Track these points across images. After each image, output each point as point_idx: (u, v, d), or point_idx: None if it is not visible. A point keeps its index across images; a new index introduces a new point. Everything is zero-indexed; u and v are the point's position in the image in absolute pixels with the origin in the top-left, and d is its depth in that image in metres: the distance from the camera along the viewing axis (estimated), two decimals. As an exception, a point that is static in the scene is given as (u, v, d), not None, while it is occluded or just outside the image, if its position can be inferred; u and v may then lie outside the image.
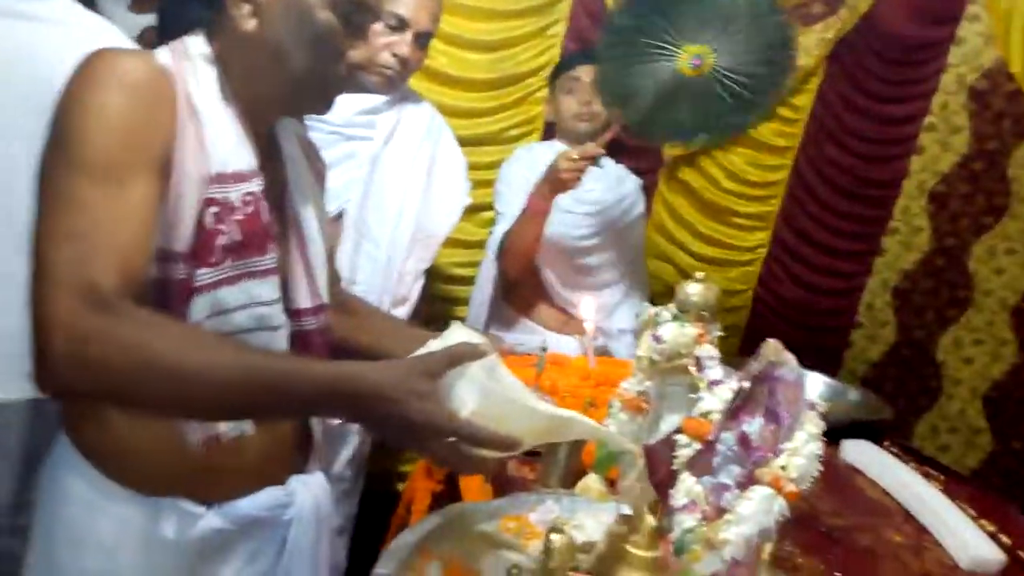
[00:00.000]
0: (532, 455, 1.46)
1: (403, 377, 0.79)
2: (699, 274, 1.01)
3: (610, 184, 2.26)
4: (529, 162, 2.18)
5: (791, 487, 0.80)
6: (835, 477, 1.66)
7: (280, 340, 1.00)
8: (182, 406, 0.82)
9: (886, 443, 1.83)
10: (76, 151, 0.81)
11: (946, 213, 2.91)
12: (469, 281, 2.44)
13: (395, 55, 1.78)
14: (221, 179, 0.91)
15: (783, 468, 0.81)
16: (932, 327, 3.01)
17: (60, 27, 1.29)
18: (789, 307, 2.92)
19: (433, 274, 2.20)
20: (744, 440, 0.81)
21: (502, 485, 1.40)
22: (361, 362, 0.85)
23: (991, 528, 1.50)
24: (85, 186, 0.80)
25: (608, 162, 2.25)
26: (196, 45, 0.95)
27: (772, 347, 0.84)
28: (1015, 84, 2.75)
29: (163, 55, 0.92)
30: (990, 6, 2.70)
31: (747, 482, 0.81)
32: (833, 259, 2.89)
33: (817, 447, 0.80)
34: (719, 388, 0.92)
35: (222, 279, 0.92)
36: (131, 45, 1.31)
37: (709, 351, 0.98)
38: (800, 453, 0.79)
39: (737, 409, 0.83)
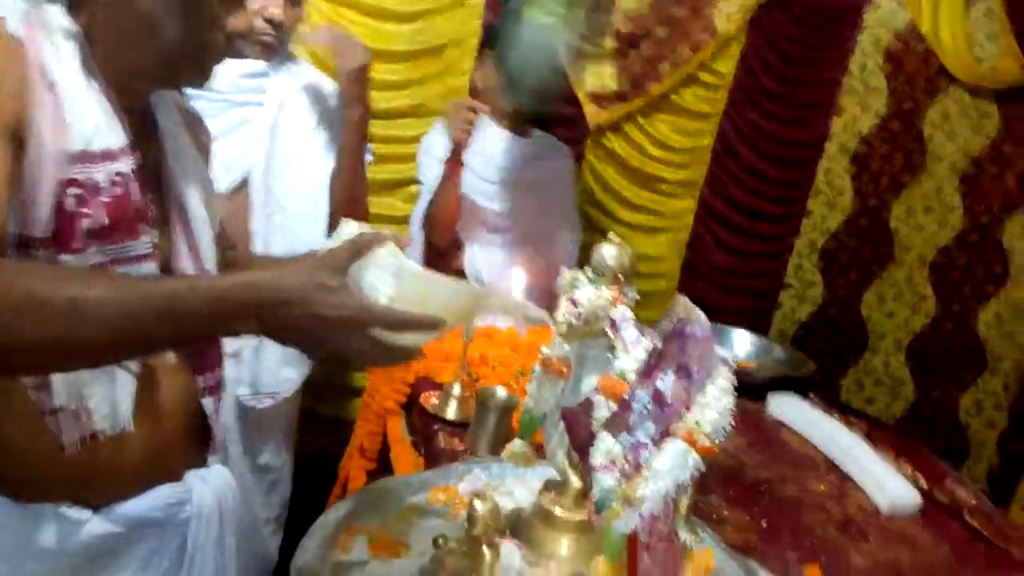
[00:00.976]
0: (461, 427, 1.47)
1: (307, 275, 0.75)
2: (612, 236, 1.00)
3: (526, 150, 2.23)
4: (441, 131, 2.17)
5: (704, 441, 0.80)
6: (761, 431, 1.71)
7: None
8: (72, 345, 0.74)
9: (811, 396, 1.88)
10: None
11: (867, 173, 2.99)
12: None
13: (268, 19, 1.69)
14: (85, 158, 0.84)
15: (696, 423, 0.82)
16: (856, 285, 3.10)
17: None
18: (719, 271, 2.97)
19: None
20: (658, 397, 0.81)
21: (432, 458, 1.40)
22: (256, 271, 0.82)
23: (909, 471, 1.56)
24: None
25: (536, 134, 2.25)
26: (56, 16, 0.87)
27: (682, 304, 0.84)
28: (926, 44, 2.84)
29: (13, 22, 0.83)
30: (902, -32, 2.77)
31: (662, 439, 0.82)
32: (760, 223, 2.94)
33: (729, 401, 0.81)
34: (634, 348, 0.92)
35: (90, 266, 0.85)
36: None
37: (624, 313, 0.98)
38: (712, 407, 0.80)
39: (651, 367, 0.83)
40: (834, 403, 1.93)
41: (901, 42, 2.86)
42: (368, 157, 1.87)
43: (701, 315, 0.84)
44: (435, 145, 2.16)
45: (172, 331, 0.77)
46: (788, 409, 1.77)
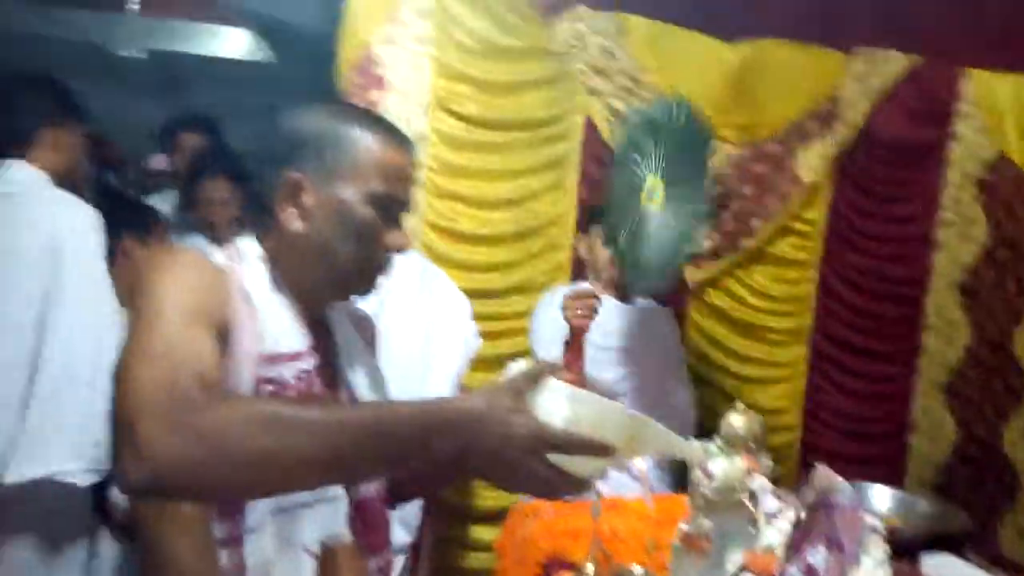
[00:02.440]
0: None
1: (494, 397, 0.80)
2: (739, 404, 1.02)
3: (635, 316, 2.30)
4: (554, 306, 2.25)
5: (868, 617, 0.78)
6: (919, 596, 1.58)
7: (339, 509, 1.03)
8: (291, 459, 0.80)
9: (969, 553, 1.75)
10: (153, 303, 0.90)
11: (980, 304, 2.89)
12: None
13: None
14: (276, 359, 0.99)
15: (856, 598, 0.79)
16: (992, 420, 2.92)
17: (39, 203, 1.72)
18: (840, 417, 2.87)
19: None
20: (811, 572, 0.80)
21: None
22: (442, 398, 0.87)
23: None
24: (163, 323, 0.88)
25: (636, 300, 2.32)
26: (249, 246, 1.07)
27: (822, 474, 0.84)
28: (1019, 169, 2.81)
29: (218, 256, 1.04)
30: (980, 103, 2.80)
31: (822, 616, 0.79)
32: (875, 363, 2.86)
33: (887, 571, 0.79)
34: (777, 520, 0.92)
35: None
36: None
37: (762, 483, 0.98)
38: (870, 580, 0.78)
39: (798, 540, 0.82)
40: (997, 559, 1.79)
41: (993, 171, 2.85)
42: None
43: (843, 483, 0.83)
44: (546, 322, 2.23)
45: (378, 450, 0.81)
46: (947, 570, 1.65)
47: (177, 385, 0.82)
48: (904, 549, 1.66)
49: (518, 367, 0.88)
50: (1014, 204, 2.85)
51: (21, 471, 1.61)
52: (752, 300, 2.81)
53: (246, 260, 1.05)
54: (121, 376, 0.85)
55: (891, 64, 2.79)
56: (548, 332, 2.20)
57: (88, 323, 1.68)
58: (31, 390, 1.63)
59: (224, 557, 0.96)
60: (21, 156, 1.80)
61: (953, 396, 2.91)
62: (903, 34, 2.77)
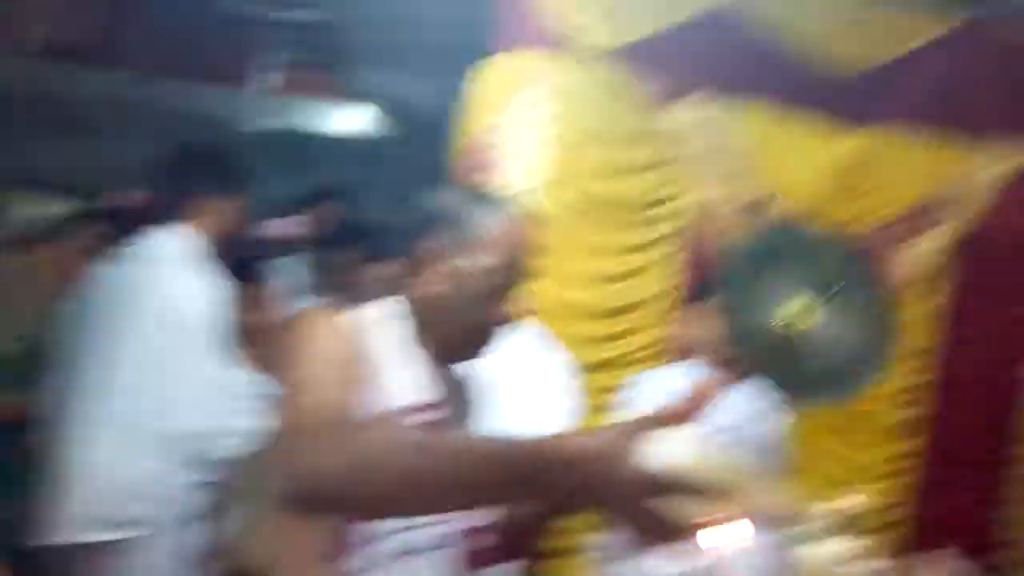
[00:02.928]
0: None
1: (618, 434, 0.80)
2: (857, 487, 1.03)
3: (744, 405, 2.27)
4: (654, 384, 2.26)
5: None
6: None
7: (453, 559, 1.09)
8: (430, 484, 0.85)
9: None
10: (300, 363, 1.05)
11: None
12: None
13: None
14: (412, 409, 1.11)
15: None
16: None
17: (170, 264, 1.87)
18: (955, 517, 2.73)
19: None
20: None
21: None
22: (562, 434, 0.87)
23: None
24: (309, 374, 1.03)
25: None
26: (388, 307, 1.21)
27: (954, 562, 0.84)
28: None
29: (370, 311, 1.19)
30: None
31: None
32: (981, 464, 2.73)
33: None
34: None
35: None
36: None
37: (866, 569, 0.98)
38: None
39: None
40: None
41: None
42: None
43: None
44: (641, 399, 2.24)
45: (507, 477, 0.83)
46: None
47: (329, 412, 0.96)
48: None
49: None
50: None
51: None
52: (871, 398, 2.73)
53: (383, 322, 1.18)
54: (280, 412, 0.97)
55: (1011, 153, 2.74)
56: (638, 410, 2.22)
57: (188, 396, 1.83)
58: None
59: None
60: (188, 219, 1.99)
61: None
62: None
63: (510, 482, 0.83)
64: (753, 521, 0.80)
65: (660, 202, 2.72)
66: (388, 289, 1.23)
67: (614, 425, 0.84)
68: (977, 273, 2.75)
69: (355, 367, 1.08)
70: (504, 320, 1.19)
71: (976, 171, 2.73)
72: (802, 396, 2.18)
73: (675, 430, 0.82)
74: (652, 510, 0.79)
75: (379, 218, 2.73)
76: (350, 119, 4.93)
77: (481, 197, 1.24)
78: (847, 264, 2.03)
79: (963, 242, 2.74)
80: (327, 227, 2.95)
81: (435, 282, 1.17)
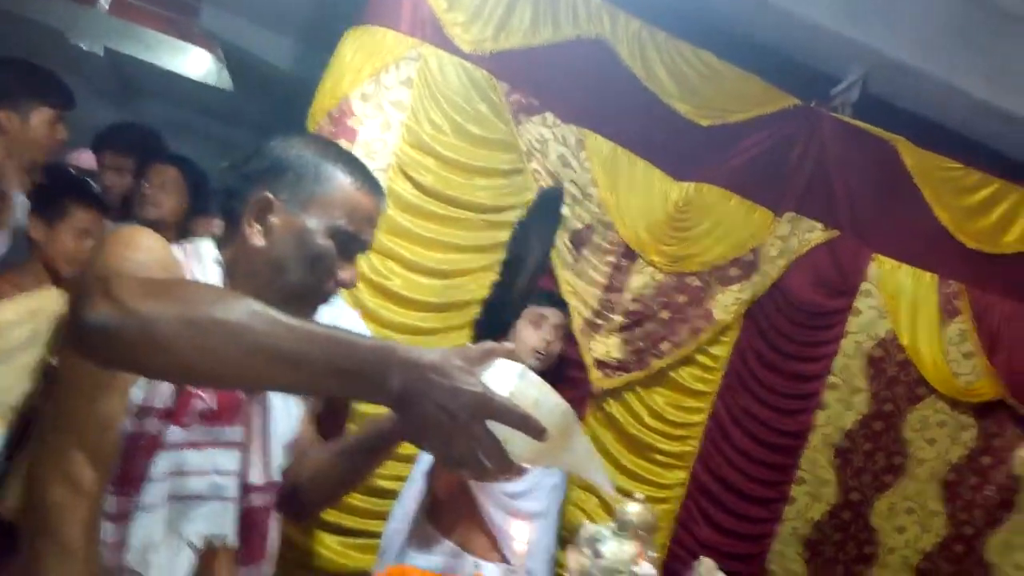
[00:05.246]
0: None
1: (446, 353, 0.81)
2: (638, 494, 1.10)
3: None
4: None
5: None
6: None
7: (229, 512, 1.05)
8: (253, 349, 0.79)
9: None
10: (120, 262, 0.94)
11: (851, 468, 3.10)
12: (393, 495, 2.43)
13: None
14: None
15: None
16: (842, 579, 3.08)
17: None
18: (703, 548, 2.97)
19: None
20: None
21: None
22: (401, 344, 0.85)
23: None
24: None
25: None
26: (208, 248, 1.10)
27: (707, 565, 0.92)
28: (906, 354, 3.08)
29: (177, 251, 1.06)
30: (880, 285, 3.09)
31: None
32: (747, 504, 3.00)
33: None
34: (656, 605, 0.98)
35: (189, 442, 1.00)
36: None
37: (647, 569, 1.05)
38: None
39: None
40: None
41: (882, 349, 3.11)
42: None
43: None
44: None
45: (337, 361, 0.80)
46: None
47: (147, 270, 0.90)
48: None
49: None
50: (896, 382, 3.11)
51: None
52: (648, 419, 2.93)
53: (203, 260, 1.08)
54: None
55: (812, 232, 3.05)
56: None
57: None
58: None
59: (109, 531, 0.96)
60: None
61: (809, 550, 3.07)
62: (828, 211, 3.05)
63: (340, 366, 0.80)
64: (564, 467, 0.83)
65: (502, 209, 2.77)
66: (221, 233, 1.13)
67: (451, 348, 0.84)
68: (766, 330, 3.03)
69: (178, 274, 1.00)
70: (331, 288, 1.11)
71: (780, 239, 3.02)
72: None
73: (508, 364, 0.83)
74: (475, 437, 0.79)
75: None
76: (195, 62, 4.66)
77: (339, 155, 1.14)
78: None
79: (759, 300, 3.01)
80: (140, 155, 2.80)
81: (266, 233, 1.08)
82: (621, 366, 2.88)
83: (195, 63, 4.51)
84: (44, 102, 2.06)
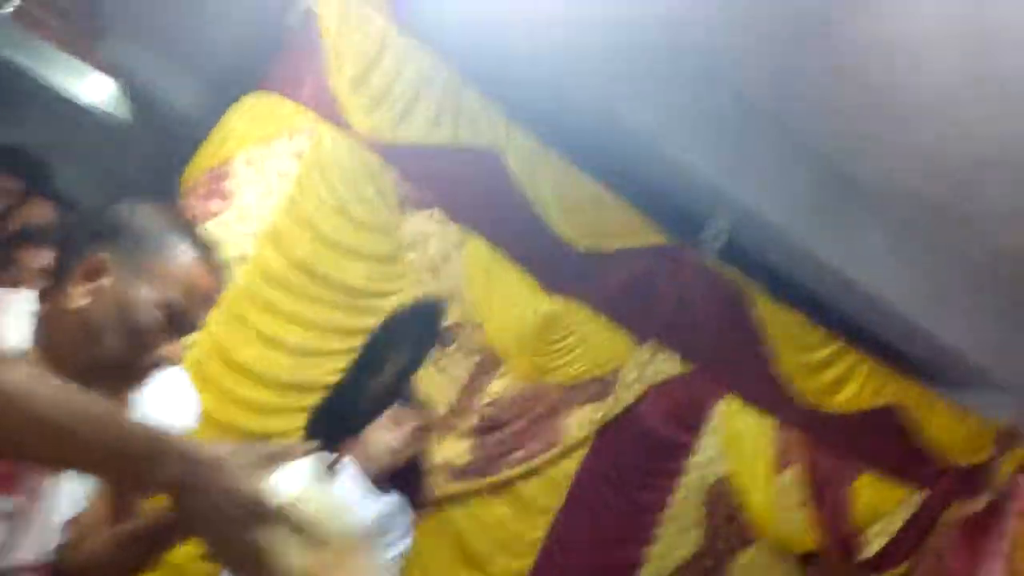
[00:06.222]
0: None
1: (232, 451, 0.78)
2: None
3: (383, 508, 2.30)
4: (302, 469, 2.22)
5: None
6: None
7: None
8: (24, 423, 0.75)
9: None
10: None
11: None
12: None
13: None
14: None
15: None
16: None
17: None
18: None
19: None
20: None
21: None
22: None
23: None
24: None
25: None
26: (23, 300, 1.03)
27: None
28: (739, 493, 3.20)
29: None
30: (725, 425, 3.22)
31: None
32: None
33: None
34: None
35: None
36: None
37: None
38: None
39: None
40: None
41: (720, 487, 3.22)
42: None
43: None
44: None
45: (108, 442, 0.76)
46: None
47: None
48: None
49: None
50: (730, 522, 3.21)
51: None
52: (488, 532, 2.89)
53: (10, 312, 1.00)
54: None
55: (670, 363, 3.17)
56: None
57: None
58: None
59: None
60: None
61: None
62: (687, 345, 3.19)
63: (111, 450, 0.76)
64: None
65: (374, 295, 2.75)
66: (37, 282, 1.08)
67: (236, 445, 0.81)
68: (615, 452, 3.09)
69: None
70: (152, 364, 1.05)
71: (638, 366, 3.12)
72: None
73: (301, 467, 0.81)
74: (249, 541, 0.76)
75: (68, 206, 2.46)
76: (94, 87, 4.50)
77: (183, 226, 1.11)
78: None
79: (611, 422, 3.07)
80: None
81: (92, 295, 1.02)
82: (468, 471, 2.85)
83: (94, 88, 4.35)
84: None
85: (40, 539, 1.04)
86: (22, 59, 4.29)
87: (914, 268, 3.28)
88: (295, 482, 0.80)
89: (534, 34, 2.73)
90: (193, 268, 1.07)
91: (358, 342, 2.70)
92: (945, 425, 3.43)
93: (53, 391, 0.77)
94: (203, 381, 2.36)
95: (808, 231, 3.20)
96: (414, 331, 2.18)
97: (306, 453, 0.84)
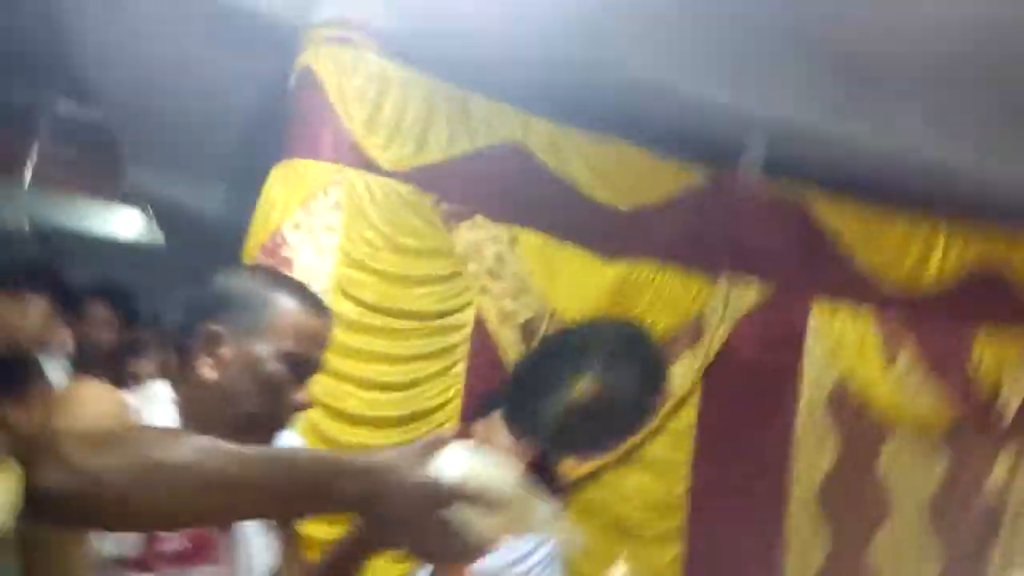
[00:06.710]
0: None
1: (396, 453, 0.81)
2: (624, 553, 1.08)
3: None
4: None
5: None
6: None
7: None
8: (194, 487, 0.78)
9: None
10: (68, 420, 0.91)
11: (837, 513, 3.09)
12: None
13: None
14: None
15: None
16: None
17: None
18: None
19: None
20: None
21: None
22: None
23: None
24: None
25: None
26: (161, 390, 1.11)
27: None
28: (859, 390, 3.15)
29: (129, 397, 1.06)
30: (822, 332, 3.18)
31: None
32: (740, 563, 2.95)
33: None
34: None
35: None
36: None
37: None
38: None
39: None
40: None
41: (840, 392, 3.17)
42: None
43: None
44: None
45: (286, 484, 0.80)
46: None
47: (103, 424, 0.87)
48: None
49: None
50: (856, 421, 3.16)
51: None
52: (629, 501, 2.89)
53: (156, 401, 1.08)
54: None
55: (750, 291, 3.15)
56: None
57: None
58: None
59: None
60: None
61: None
62: (760, 268, 3.17)
63: (290, 489, 0.80)
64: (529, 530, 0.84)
65: (446, 313, 2.81)
66: (161, 376, 1.14)
67: (402, 446, 0.85)
68: (723, 393, 3.07)
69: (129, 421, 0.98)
70: (288, 412, 1.12)
71: (720, 304, 3.11)
72: (582, 450, 2.28)
73: (454, 448, 0.84)
74: (440, 525, 0.80)
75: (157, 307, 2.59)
76: (124, 221, 4.68)
77: (279, 281, 1.18)
78: (619, 338, 2.22)
79: (710, 366, 3.06)
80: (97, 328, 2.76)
81: (218, 367, 1.09)
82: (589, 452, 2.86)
83: (124, 223, 4.53)
84: None
85: None
86: (51, 217, 4.48)
87: (958, 124, 3.21)
88: (457, 462, 0.84)
89: (521, 20, 2.78)
90: (298, 315, 1.13)
91: (446, 363, 2.77)
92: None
93: (222, 448, 0.81)
94: (313, 436, 2.43)
95: (843, 123, 3.16)
96: (606, 350, 2.15)
97: (454, 438, 0.89)
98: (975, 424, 3.20)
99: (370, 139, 2.81)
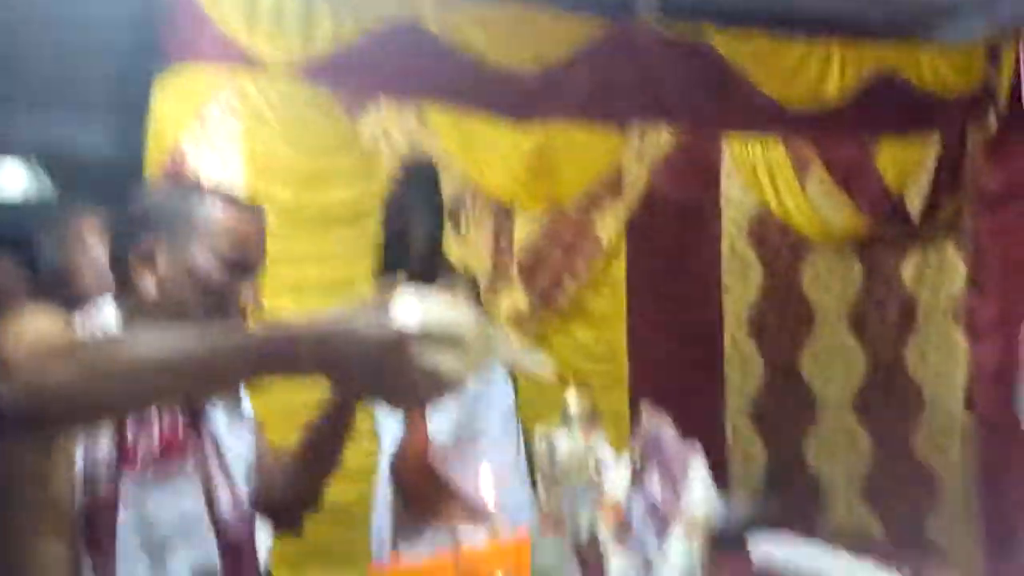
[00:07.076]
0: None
1: (350, 311, 0.80)
2: (571, 383, 1.14)
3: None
4: None
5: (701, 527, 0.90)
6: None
7: (208, 544, 1.07)
8: (143, 365, 0.78)
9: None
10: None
11: (768, 336, 3.28)
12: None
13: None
14: None
15: (691, 515, 0.92)
16: (794, 436, 3.28)
17: None
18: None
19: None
20: (650, 498, 0.92)
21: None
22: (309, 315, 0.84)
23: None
24: None
25: None
26: (107, 308, 1.13)
27: (648, 413, 0.97)
28: (778, 219, 3.28)
29: (75, 316, 1.09)
30: (736, 164, 3.26)
31: (665, 536, 0.91)
32: (688, 397, 3.13)
33: (707, 482, 0.92)
34: (618, 475, 1.03)
35: (145, 486, 1.04)
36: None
37: (603, 449, 1.09)
38: (697, 490, 0.91)
39: (638, 474, 0.94)
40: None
41: (760, 218, 3.30)
42: None
43: (665, 417, 0.97)
44: None
45: (246, 356, 0.80)
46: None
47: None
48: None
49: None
50: (780, 246, 3.30)
51: None
52: (574, 355, 3.01)
53: (103, 318, 1.10)
54: None
55: (661, 136, 3.19)
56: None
57: None
58: None
59: None
60: None
61: (757, 420, 3.24)
62: (668, 111, 3.19)
63: (252, 358, 0.80)
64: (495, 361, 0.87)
65: (369, 201, 2.77)
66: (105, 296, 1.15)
67: (356, 300, 0.84)
68: (650, 238, 3.16)
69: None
70: (233, 316, 1.12)
71: (635, 152, 3.14)
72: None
73: (406, 294, 0.83)
74: (408, 372, 0.79)
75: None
76: (9, 178, 4.38)
77: (200, 188, 1.18)
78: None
79: (635, 213, 3.13)
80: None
81: (158, 281, 1.10)
82: (532, 314, 2.94)
83: (10, 180, 4.25)
84: None
85: (232, 491, 1.14)
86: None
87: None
88: (413, 307, 0.82)
89: None
90: (227, 217, 1.14)
91: (364, 263, 2.75)
92: (933, 66, 3.43)
93: (165, 329, 0.82)
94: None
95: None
96: (419, 194, 2.20)
97: (402, 284, 0.90)
98: (885, 229, 3.37)
99: (252, 37, 2.67)
